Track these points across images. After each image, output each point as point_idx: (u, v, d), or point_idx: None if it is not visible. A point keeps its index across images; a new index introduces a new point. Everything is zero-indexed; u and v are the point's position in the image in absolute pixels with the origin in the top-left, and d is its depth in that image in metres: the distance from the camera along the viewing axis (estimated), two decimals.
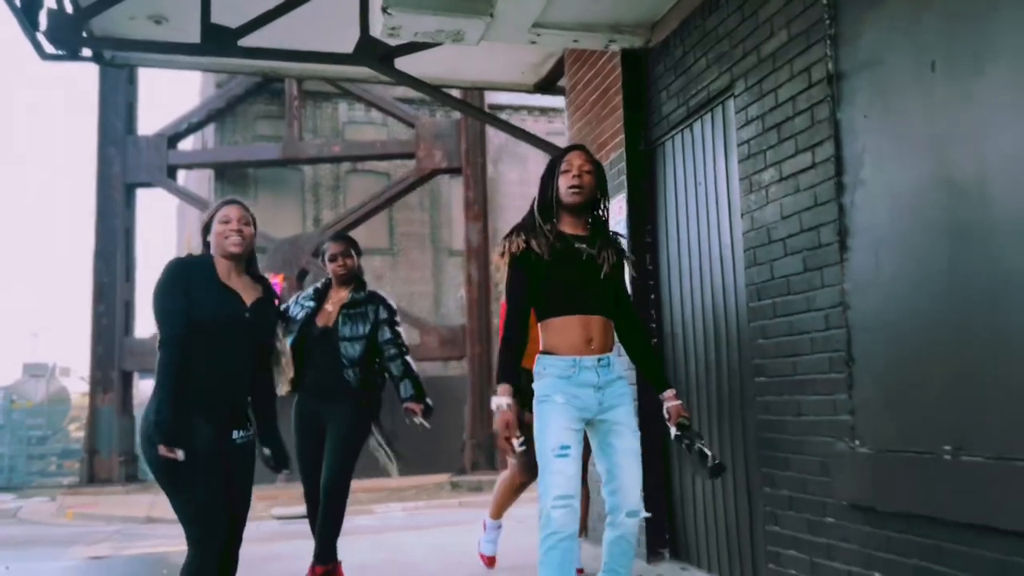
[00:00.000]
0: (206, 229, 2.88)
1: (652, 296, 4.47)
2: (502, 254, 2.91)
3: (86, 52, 4.73)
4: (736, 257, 3.70)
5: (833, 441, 2.97)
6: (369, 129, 18.06)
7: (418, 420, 3.97)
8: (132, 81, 16.23)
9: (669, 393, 2.95)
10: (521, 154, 17.68)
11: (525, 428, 2.76)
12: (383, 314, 3.98)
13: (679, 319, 4.28)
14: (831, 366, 3.00)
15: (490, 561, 4.31)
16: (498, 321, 14.68)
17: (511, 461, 3.97)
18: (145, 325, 16.20)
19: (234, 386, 2.71)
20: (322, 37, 4.66)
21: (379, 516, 9.75)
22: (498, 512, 4.28)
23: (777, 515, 3.32)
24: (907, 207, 2.66)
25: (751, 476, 3.59)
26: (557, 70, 5.77)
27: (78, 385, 25.88)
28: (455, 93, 6.65)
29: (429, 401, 3.99)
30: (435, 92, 5.33)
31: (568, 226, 2.95)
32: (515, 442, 2.67)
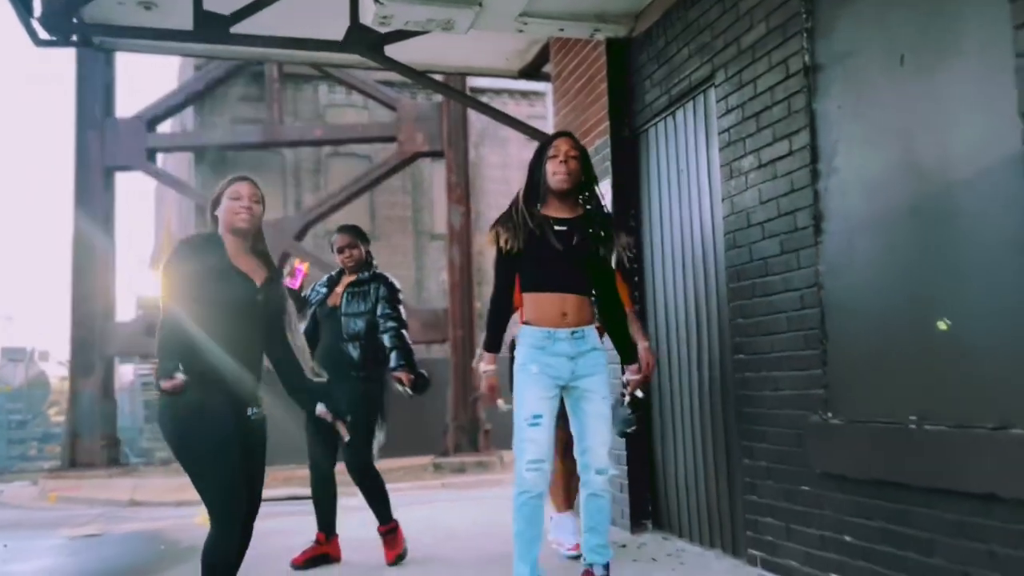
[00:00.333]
0: (215, 204, 2.90)
1: (636, 278, 4.62)
2: (490, 242, 3.14)
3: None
4: (717, 240, 3.86)
5: (808, 414, 3.15)
6: (350, 112, 17.98)
7: (403, 388, 4.10)
8: (110, 63, 16.01)
9: (633, 367, 3.32)
10: (503, 137, 17.69)
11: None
12: (383, 292, 4.18)
13: (662, 300, 4.44)
14: (806, 343, 3.17)
15: (575, 548, 3.93)
16: (481, 305, 14.74)
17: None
18: (126, 310, 16.14)
19: (247, 365, 2.78)
20: (311, 24, 4.73)
21: None
22: (562, 505, 4.16)
23: (755, 485, 3.50)
24: (877, 193, 2.83)
25: (731, 449, 3.77)
26: (541, 57, 5.87)
27: (56, 370, 25.66)
28: (437, 77, 6.74)
29: (424, 372, 4.14)
30: (421, 77, 5.42)
31: (554, 209, 3.14)
32: (500, 402, 2.91)
